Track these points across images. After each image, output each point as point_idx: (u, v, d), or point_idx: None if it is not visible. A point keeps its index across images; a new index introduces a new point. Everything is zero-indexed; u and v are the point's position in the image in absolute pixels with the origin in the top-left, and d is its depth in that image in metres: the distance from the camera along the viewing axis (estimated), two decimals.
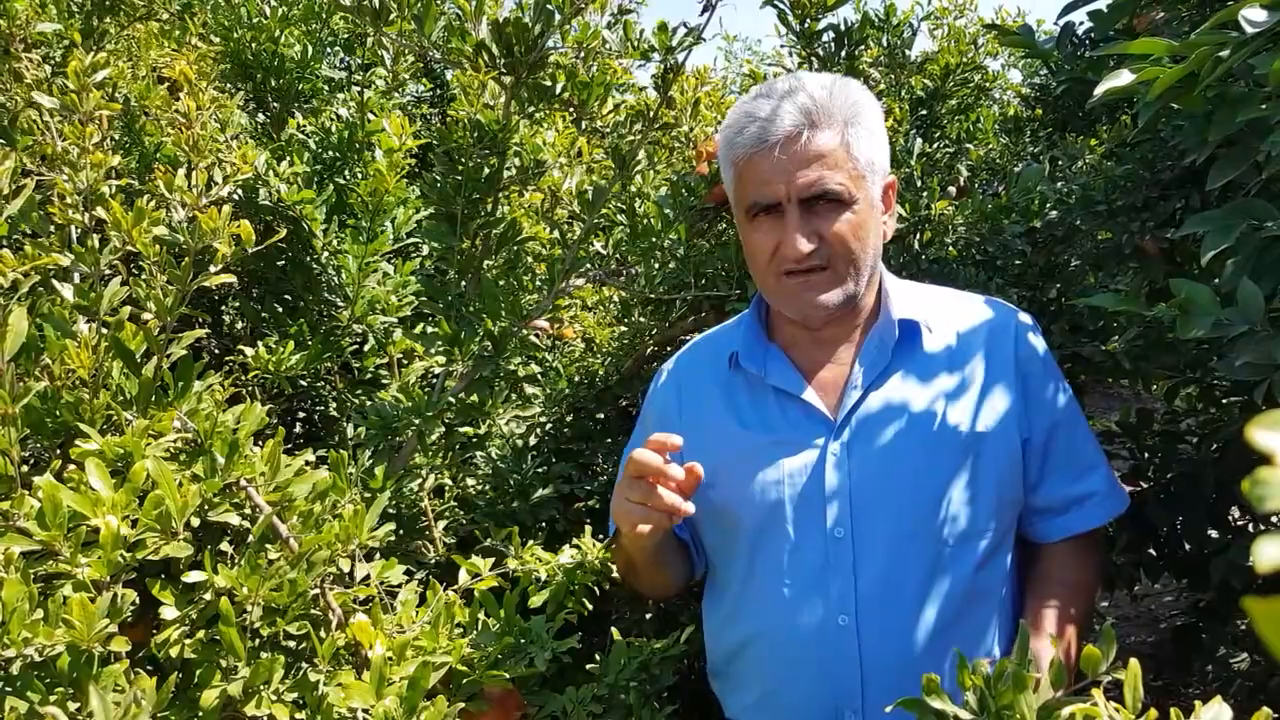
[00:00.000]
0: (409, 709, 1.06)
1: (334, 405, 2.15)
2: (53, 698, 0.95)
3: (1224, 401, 2.05)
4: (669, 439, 1.23)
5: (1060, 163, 2.04)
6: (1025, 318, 1.41)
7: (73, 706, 0.95)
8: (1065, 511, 1.37)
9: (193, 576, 1.11)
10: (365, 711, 1.08)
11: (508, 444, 2.02)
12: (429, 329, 1.83)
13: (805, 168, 1.28)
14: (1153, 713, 0.64)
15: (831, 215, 1.30)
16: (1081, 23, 1.81)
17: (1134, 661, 0.67)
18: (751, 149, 1.31)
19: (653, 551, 1.40)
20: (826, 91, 1.31)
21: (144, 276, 1.22)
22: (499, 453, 2.01)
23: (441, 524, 1.97)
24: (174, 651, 1.11)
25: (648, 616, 2.08)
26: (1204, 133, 1.24)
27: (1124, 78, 1.14)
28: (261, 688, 1.11)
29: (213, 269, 1.20)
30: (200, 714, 1.08)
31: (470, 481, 2.02)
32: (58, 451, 1.20)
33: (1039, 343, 1.39)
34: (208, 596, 1.14)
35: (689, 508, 1.24)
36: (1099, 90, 1.16)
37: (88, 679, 0.95)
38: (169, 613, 1.12)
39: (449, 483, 2.02)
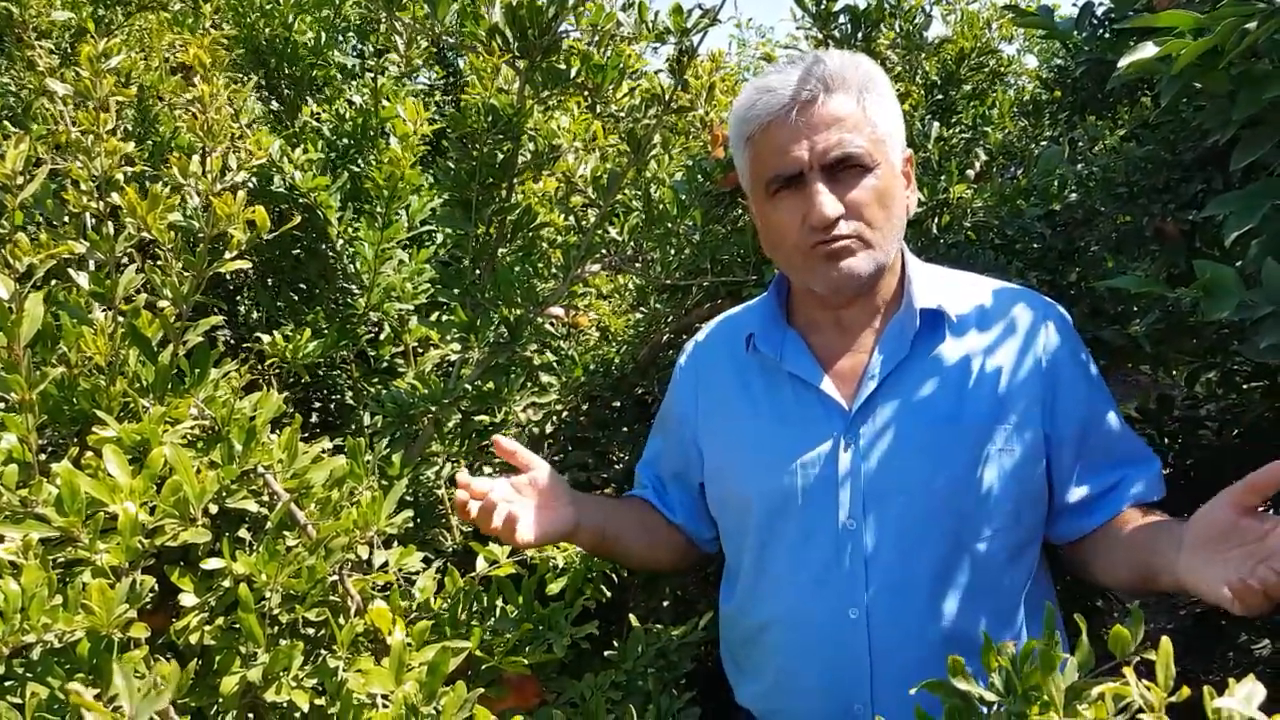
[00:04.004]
0: (429, 694, 1.05)
1: (350, 394, 2.15)
2: (71, 685, 0.95)
3: (1245, 387, 2.03)
4: (461, 481, 1.32)
5: (1080, 145, 2.01)
6: (1059, 312, 1.36)
7: (93, 692, 0.95)
8: (1104, 497, 1.31)
9: (211, 564, 1.12)
10: (385, 697, 1.08)
11: (524, 432, 2.02)
12: (444, 317, 1.83)
13: (824, 131, 1.26)
14: (1185, 690, 0.63)
15: (854, 181, 1.28)
16: (1100, 3, 1.79)
17: (1165, 640, 0.66)
18: (767, 118, 1.29)
19: (591, 540, 1.44)
20: (838, 61, 1.30)
21: (160, 263, 1.22)
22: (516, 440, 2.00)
23: None
24: (193, 638, 1.11)
25: (665, 604, 2.07)
26: (1228, 112, 1.22)
27: (1148, 50, 1.13)
28: (281, 674, 1.11)
29: (228, 255, 1.19)
30: (220, 700, 1.08)
31: (487, 470, 2.01)
32: (75, 439, 1.20)
33: (1072, 339, 1.34)
34: (226, 583, 1.14)
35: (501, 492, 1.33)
36: (1122, 63, 1.14)
37: (108, 665, 0.94)
38: (188, 599, 1.12)
39: (465, 472, 2.01)
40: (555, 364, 2.15)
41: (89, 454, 1.10)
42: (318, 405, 2.32)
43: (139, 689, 0.89)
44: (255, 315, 2.30)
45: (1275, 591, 0.97)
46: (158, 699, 0.82)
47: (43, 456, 1.08)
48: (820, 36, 1.97)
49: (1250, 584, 0.97)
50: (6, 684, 0.95)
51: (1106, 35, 1.78)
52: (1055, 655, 0.71)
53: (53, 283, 1.27)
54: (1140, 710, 0.65)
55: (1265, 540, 1.00)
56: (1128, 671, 0.67)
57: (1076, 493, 1.31)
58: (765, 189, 1.33)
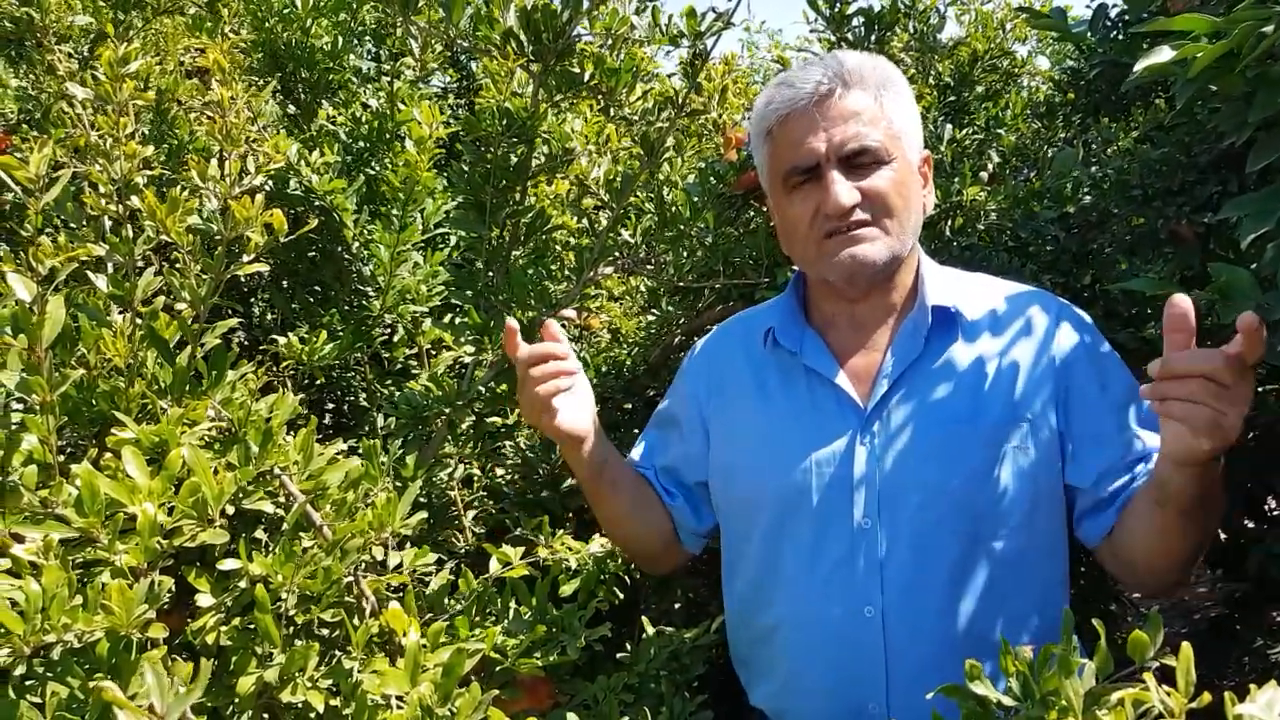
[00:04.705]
0: (443, 696, 1.06)
1: (364, 396, 2.16)
2: (92, 684, 0.96)
3: (1260, 391, 2.02)
4: (509, 327, 1.35)
5: (1094, 147, 2.01)
6: (1074, 312, 1.36)
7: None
8: (1130, 484, 1.28)
9: (228, 564, 1.12)
10: (400, 698, 1.09)
11: (537, 433, 2.03)
12: (458, 319, 1.83)
13: (841, 124, 1.28)
14: (1206, 696, 0.63)
15: (870, 172, 1.29)
16: (1114, 5, 1.79)
17: (1186, 645, 0.66)
18: (785, 109, 1.32)
19: (594, 467, 1.44)
20: (857, 60, 1.33)
21: (178, 266, 1.23)
22: (528, 442, 2.01)
23: (471, 514, 1.98)
24: (210, 639, 1.12)
25: (676, 606, 2.07)
26: (1244, 114, 1.22)
27: (1164, 54, 1.12)
28: (296, 675, 1.11)
29: (245, 258, 1.20)
30: (236, 700, 1.09)
31: (499, 471, 2.02)
32: (94, 440, 1.21)
33: (1087, 337, 1.33)
34: (243, 584, 1.14)
35: (574, 365, 1.38)
36: (1138, 67, 1.14)
37: (127, 664, 0.95)
38: (205, 600, 1.13)
39: (477, 473, 2.02)
40: None
41: (107, 455, 1.11)
42: (331, 407, 2.33)
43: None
44: (270, 317, 2.32)
45: (1203, 409, 1.01)
46: (188, 697, 0.82)
47: (61, 458, 1.09)
48: (834, 39, 1.97)
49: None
50: (27, 683, 0.95)
51: (1120, 37, 1.77)
52: (1073, 660, 0.71)
53: (70, 285, 1.28)
54: (1160, 715, 0.65)
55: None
56: (1148, 677, 0.67)
57: (1103, 487, 1.29)
58: (783, 182, 1.34)
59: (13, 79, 2.01)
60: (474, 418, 1.86)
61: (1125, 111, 2.02)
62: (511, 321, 1.35)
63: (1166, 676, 0.70)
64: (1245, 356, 1.00)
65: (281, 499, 1.22)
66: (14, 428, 1.07)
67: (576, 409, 1.39)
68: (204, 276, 1.23)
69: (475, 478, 2.03)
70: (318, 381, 2.05)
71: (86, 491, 0.99)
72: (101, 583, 0.98)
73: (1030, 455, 1.27)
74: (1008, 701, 0.75)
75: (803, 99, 1.30)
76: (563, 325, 2.30)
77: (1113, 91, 1.91)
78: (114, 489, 1.01)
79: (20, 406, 1.12)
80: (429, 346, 2.06)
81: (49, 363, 1.02)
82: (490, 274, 1.80)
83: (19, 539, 0.98)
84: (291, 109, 2.26)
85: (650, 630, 1.53)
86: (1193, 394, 1.02)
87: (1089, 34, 1.78)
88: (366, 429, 2.04)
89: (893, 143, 1.30)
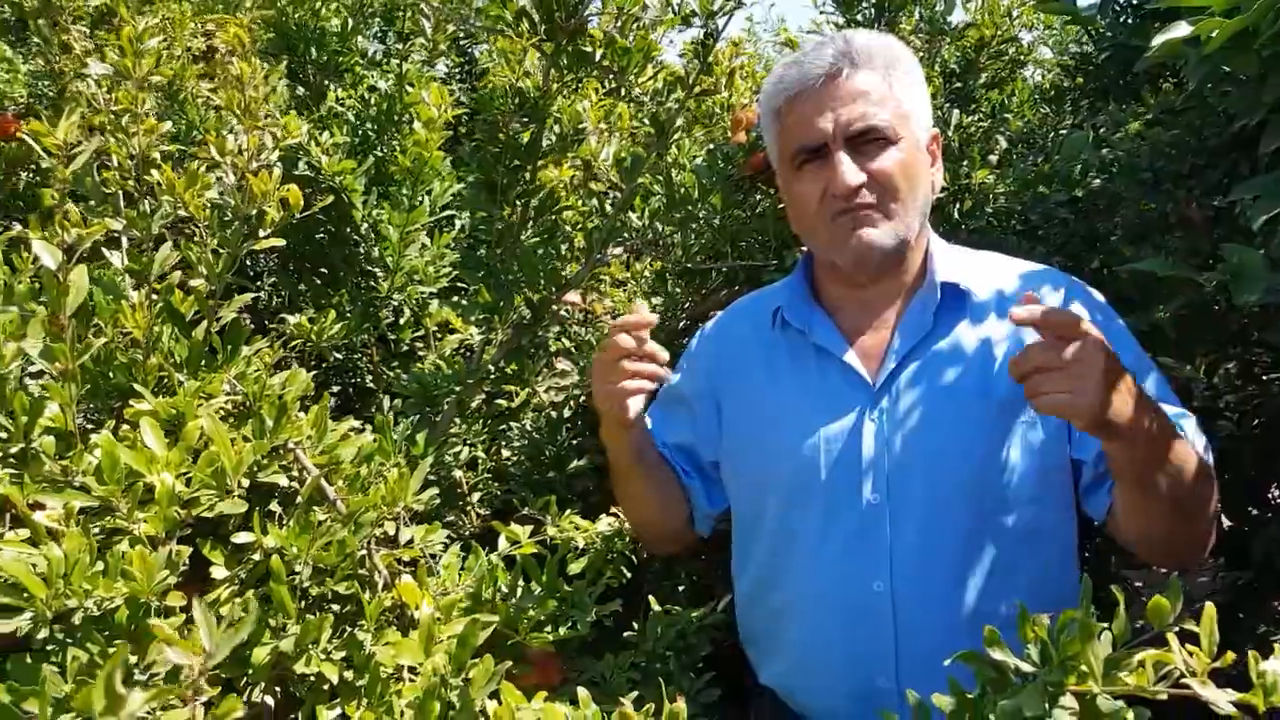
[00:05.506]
0: (457, 666, 1.06)
1: (370, 378, 2.17)
2: (111, 650, 0.96)
3: (1264, 378, 2.03)
4: (641, 318, 1.27)
5: (1103, 130, 2.01)
6: (1082, 288, 1.36)
7: (133, 660, 0.96)
8: None
9: (241, 537, 1.13)
10: (413, 670, 1.09)
11: (542, 416, 2.03)
12: (467, 299, 1.83)
13: (849, 104, 1.29)
14: (1230, 655, 0.64)
15: (878, 153, 1.30)
16: None
17: (1209, 605, 0.66)
18: (794, 89, 1.32)
19: (635, 452, 1.42)
20: (866, 39, 1.33)
21: (195, 240, 1.23)
22: (534, 424, 2.01)
23: (476, 495, 1.99)
24: (224, 610, 1.12)
25: (680, 589, 2.08)
26: (1257, 95, 1.22)
27: (1181, 29, 1.13)
28: (310, 646, 1.11)
29: (262, 233, 1.20)
30: (251, 671, 1.09)
31: (505, 453, 2.02)
32: (112, 413, 1.21)
33: (1098, 315, 1.33)
34: (256, 557, 1.15)
35: (667, 372, 1.30)
36: (1156, 42, 1.15)
37: (146, 631, 0.96)
38: (219, 572, 1.13)
39: (482, 455, 2.03)
40: (573, 349, 2.16)
41: (125, 428, 1.11)
42: (337, 389, 2.33)
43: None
44: (276, 300, 2.32)
45: (1054, 396, 1.06)
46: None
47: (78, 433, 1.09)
48: (843, 21, 1.97)
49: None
50: (48, 649, 0.96)
51: (1130, 20, 1.78)
52: (1093, 625, 0.71)
53: (87, 261, 1.28)
54: (1182, 676, 0.65)
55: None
56: (1170, 638, 0.67)
57: (1103, 462, 1.28)
58: (791, 161, 1.35)
59: (22, 63, 2.00)
60: (483, 397, 1.86)
61: (1135, 95, 2.02)
62: (650, 316, 1.28)
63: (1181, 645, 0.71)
64: (1062, 335, 1.06)
65: (295, 473, 1.22)
66: (36, 396, 1.07)
67: (640, 402, 1.36)
68: (220, 252, 1.23)
69: (480, 460, 2.03)
70: (324, 363, 2.06)
71: (107, 460, 1.00)
72: (121, 551, 0.98)
73: (1039, 432, 1.28)
74: (1025, 668, 0.75)
75: (811, 78, 1.31)
76: (566, 311, 2.31)
77: (1122, 75, 1.92)
78: (133, 458, 1.02)
79: (34, 383, 1.13)
80: (435, 329, 2.06)
81: (72, 331, 1.02)
82: (499, 253, 1.80)
83: (39, 506, 0.98)
84: (300, 90, 2.26)
85: (657, 608, 1.54)
86: (1037, 385, 1.07)
87: (1099, 17, 1.79)
88: (373, 410, 2.05)
89: (901, 122, 1.31)
